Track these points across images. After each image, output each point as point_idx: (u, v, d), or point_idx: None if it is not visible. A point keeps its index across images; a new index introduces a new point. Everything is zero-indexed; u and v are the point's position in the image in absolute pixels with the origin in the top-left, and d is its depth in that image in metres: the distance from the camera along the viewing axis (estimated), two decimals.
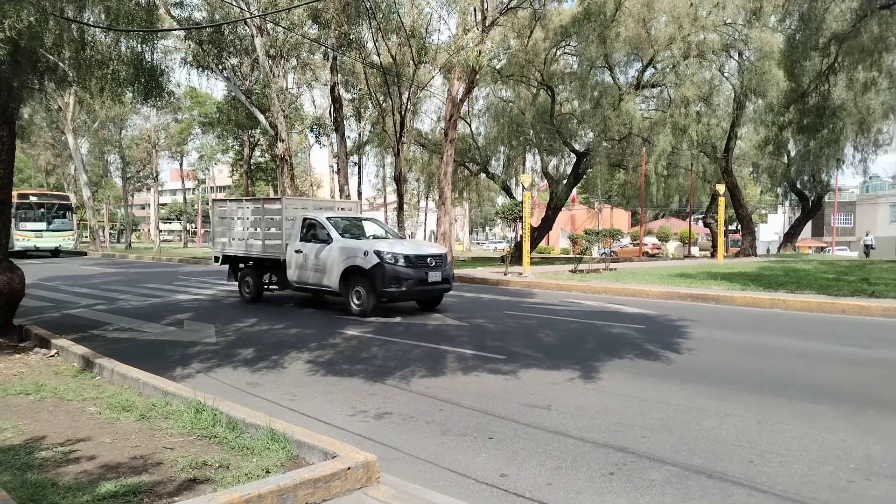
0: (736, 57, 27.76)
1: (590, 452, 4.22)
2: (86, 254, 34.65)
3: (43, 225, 30.65)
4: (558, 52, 27.71)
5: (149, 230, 74.03)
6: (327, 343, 8.21)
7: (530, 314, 10.75)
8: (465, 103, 26.87)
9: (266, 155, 37.08)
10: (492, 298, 13.25)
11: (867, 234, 36.03)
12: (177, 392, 5.02)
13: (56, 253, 31.65)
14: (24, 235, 29.54)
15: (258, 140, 35.14)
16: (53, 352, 7.10)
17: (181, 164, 53.66)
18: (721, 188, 25.26)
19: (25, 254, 29.91)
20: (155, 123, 43.23)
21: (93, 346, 7.31)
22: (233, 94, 29.36)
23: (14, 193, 26.36)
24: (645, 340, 8.16)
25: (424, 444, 4.45)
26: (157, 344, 8.30)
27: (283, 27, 22.97)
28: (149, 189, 57.29)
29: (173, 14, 22.88)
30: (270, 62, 23.94)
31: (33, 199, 31.20)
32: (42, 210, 30.84)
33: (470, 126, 31.91)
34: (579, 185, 37.09)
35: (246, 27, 23.83)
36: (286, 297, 13.54)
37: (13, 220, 24.32)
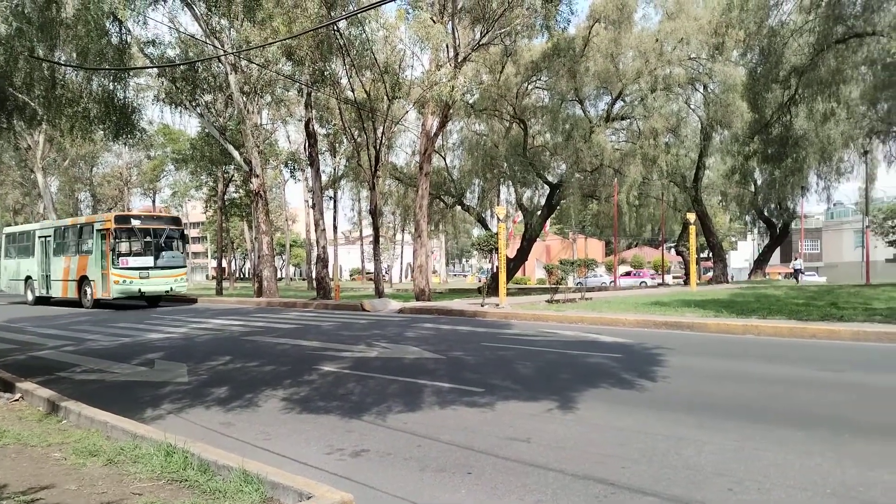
0: (701, 90, 28.67)
1: (570, 485, 4.18)
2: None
3: (150, 260, 21.96)
4: (530, 87, 28.30)
5: None
6: (303, 380, 8.08)
7: (507, 345, 10.73)
8: (440, 137, 27.20)
9: (240, 190, 36.89)
10: (469, 330, 13.21)
11: (796, 259, 36.95)
12: (146, 435, 4.88)
13: (155, 301, 23.72)
14: (125, 276, 21.20)
15: (232, 176, 35.04)
16: (18, 396, 6.87)
17: (154, 201, 53.13)
18: (691, 217, 25.76)
19: (111, 304, 23.23)
20: (127, 161, 42.86)
21: (59, 388, 7.09)
22: (206, 130, 29.30)
23: (108, 217, 21.69)
24: (622, 369, 8.18)
25: (402, 481, 4.37)
26: (126, 385, 8.08)
27: (257, 64, 23.12)
28: None
29: (146, 52, 22.90)
30: (245, 99, 24.02)
31: (136, 223, 22.22)
32: (148, 239, 22.08)
33: (444, 159, 32.25)
34: (553, 215, 37.54)
35: (220, 65, 23.93)
36: (260, 331, 13.35)
37: (109, 255, 21.10)
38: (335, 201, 41.28)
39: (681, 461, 4.58)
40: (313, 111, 26.23)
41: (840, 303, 14.81)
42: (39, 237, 25.27)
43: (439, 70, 21.54)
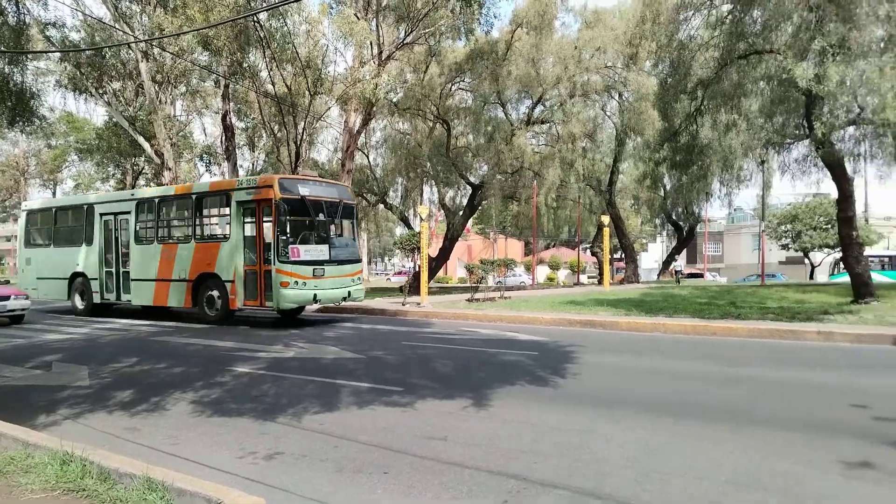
0: (616, 97, 29.80)
1: (485, 482, 4.25)
2: None
3: (325, 251, 14.14)
4: (453, 88, 28.49)
5: (15, 264, 67.62)
6: (215, 381, 7.80)
7: (427, 344, 10.78)
8: (363, 135, 26.94)
9: (151, 184, 35.16)
10: (390, 329, 13.17)
11: (676, 261, 39.33)
12: (40, 442, 4.56)
13: (294, 314, 15.86)
14: (296, 275, 13.26)
15: (142, 168, 33.30)
16: None
17: (54, 193, 49.78)
18: (606, 219, 26.73)
19: (248, 316, 16.23)
20: (24, 149, 39.88)
21: None
22: (115, 119, 27.71)
23: (266, 181, 13.27)
24: (537, 367, 8.39)
25: (318, 483, 4.30)
26: (19, 389, 7.54)
27: (171, 53, 22.11)
28: (15, 220, 52.47)
29: (47, 34, 21.41)
30: (157, 88, 22.92)
31: (304, 191, 13.87)
32: (320, 217, 14.10)
33: (368, 157, 31.95)
34: (475, 216, 37.96)
35: (130, 51, 22.71)
36: (170, 331, 12.77)
37: (275, 241, 13.18)
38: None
39: (591, 455, 4.76)
40: (231, 104, 25.38)
41: (738, 302, 15.81)
42: (103, 214, 16.81)
43: (363, 67, 21.34)
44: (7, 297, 15.17)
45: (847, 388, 7.01)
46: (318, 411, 6.20)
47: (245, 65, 21.53)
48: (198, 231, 15.11)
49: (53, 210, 18.72)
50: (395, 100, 26.55)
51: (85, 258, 17.26)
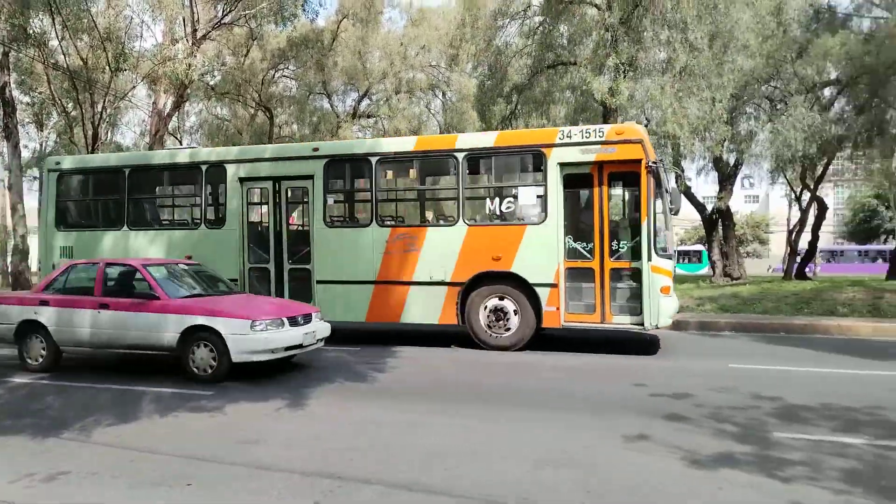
0: (440, 96, 30.74)
1: (298, 484, 4.15)
2: None
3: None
4: (277, 75, 27.46)
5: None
6: None
7: None
8: (175, 118, 24.93)
9: None
10: None
11: None
12: None
13: None
14: (670, 276, 9.19)
15: None
16: None
17: None
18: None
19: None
20: None
21: None
22: None
23: (633, 130, 8.82)
24: (357, 362, 8.39)
25: (109, 502, 3.91)
26: None
27: None
28: None
29: None
30: None
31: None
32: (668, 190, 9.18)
33: (181, 143, 29.64)
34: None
35: None
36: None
37: (648, 233, 8.57)
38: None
39: (408, 447, 4.85)
40: (12, 74, 22.04)
41: None
42: (246, 180, 10.75)
43: (175, 45, 19.70)
44: (308, 317, 7.95)
45: (633, 369, 7.90)
46: (112, 423, 5.63)
47: (31, 31, 18.80)
48: (472, 208, 10.09)
49: (125, 172, 11.40)
50: (212, 83, 24.91)
51: (203, 248, 10.73)
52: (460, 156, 9.46)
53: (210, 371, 7.13)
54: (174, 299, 7.52)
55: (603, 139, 8.78)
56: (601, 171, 8.86)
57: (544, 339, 9.60)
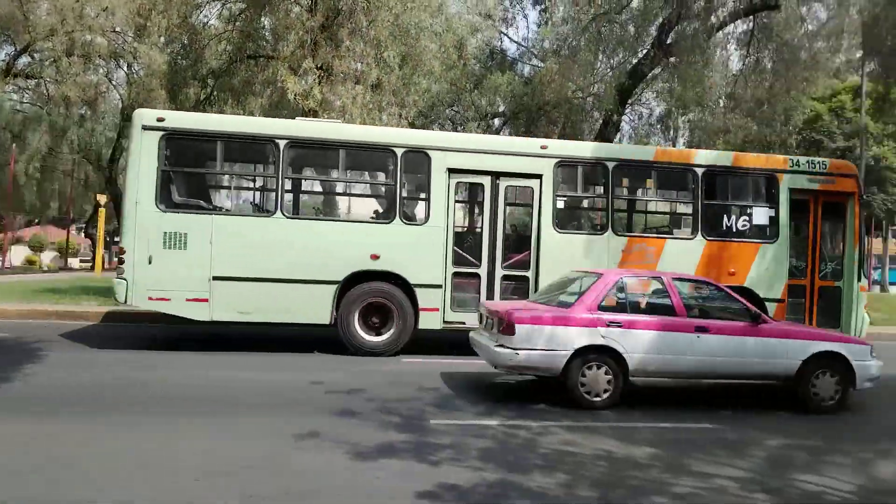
0: (125, 68, 27.34)
1: None
2: None
3: None
4: None
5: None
6: None
7: None
8: None
9: None
10: None
11: None
12: None
13: None
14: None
15: None
16: None
17: None
18: (102, 199, 24.35)
19: None
20: None
21: None
22: None
23: (851, 167, 10.53)
24: None
25: None
26: None
27: None
28: None
29: None
30: None
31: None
32: None
33: None
34: None
35: None
36: None
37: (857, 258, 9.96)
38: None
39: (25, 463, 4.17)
40: None
41: None
42: (454, 171, 9.11)
43: None
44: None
45: (313, 368, 8.04)
46: None
47: None
48: (709, 222, 9.76)
49: (283, 144, 8.78)
50: None
51: (395, 246, 8.94)
52: (699, 171, 9.65)
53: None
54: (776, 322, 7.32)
55: (826, 171, 9.89)
56: (817, 198, 9.88)
57: None
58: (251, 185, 10.91)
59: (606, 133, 15.62)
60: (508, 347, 6.31)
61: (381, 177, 10.10)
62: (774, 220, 9.73)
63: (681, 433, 5.88)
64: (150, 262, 8.34)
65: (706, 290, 7.58)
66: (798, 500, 4.30)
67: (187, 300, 8.48)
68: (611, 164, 9.51)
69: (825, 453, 5.38)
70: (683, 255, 9.47)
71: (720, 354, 6.63)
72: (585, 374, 6.37)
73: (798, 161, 10.16)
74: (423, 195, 9.33)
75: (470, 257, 9.29)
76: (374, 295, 8.78)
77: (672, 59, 14.45)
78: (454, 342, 8.90)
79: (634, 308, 6.85)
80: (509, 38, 24.11)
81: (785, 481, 4.62)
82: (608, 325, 6.43)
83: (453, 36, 14.25)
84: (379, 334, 8.83)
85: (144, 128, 8.58)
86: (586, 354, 6.36)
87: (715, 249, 9.58)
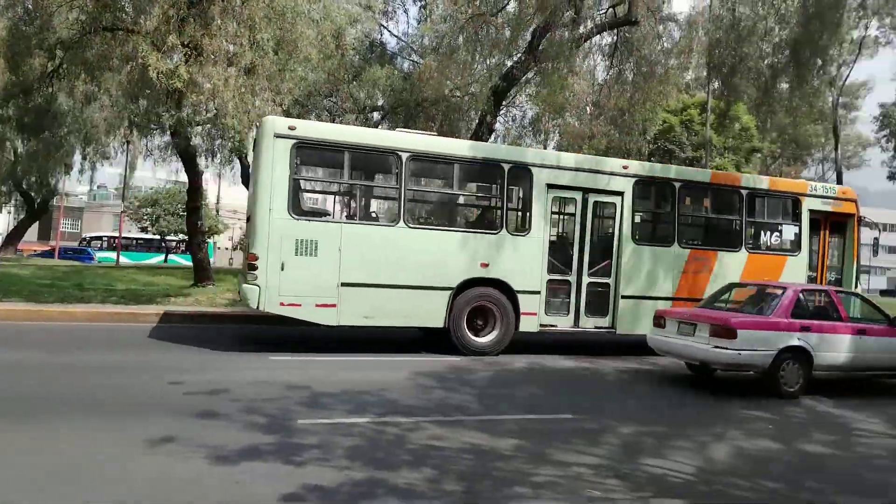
0: None
1: None
2: None
3: None
4: None
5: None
6: None
7: None
8: None
9: None
10: None
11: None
12: None
13: None
14: None
15: None
16: None
17: None
18: None
19: None
20: None
21: None
22: None
23: (852, 193, 12.58)
24: None
25: None
26: None
27: None
28: None
29: None
30: None
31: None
32: None
33: None
34: None
35: None
36: None
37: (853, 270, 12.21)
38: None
39: None
40: None
41: (86, 284, 15.06)
42: (552, 187, 10.23)
43: None
44: None
45: (172, 368, 7.54)
46: None
47: None
48: (750, 238, 11.40)
49: (406, 157, 9.22)
50: None
51: (501, 255, 9.68)
52: (744, 192, 11.19)
53: None
54: None
55: (834, 195, 11.76)
56: (827, 218, 11.66)
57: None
58: (375, 194, 11.14)
59: (480, 133, 15.95)
60: (731, 349, 7.52)
61: (490, 190, 10.74)
62: (798, 236, 11.41)
63: (545, 424, 6.15)
64: (282, 269, 8.53)
65: (853, 301, 9.35)
66: (645, 483, 4.64)
67: (317, 305, 8.71)
68: (677, 185, 10.86)
69: (670, 438, 5.86)
70: (731, 266, 10.93)
71: (876, 352, 8.33)
72: (784, 369, 7.80)
73: (815, 186, 12.04)
74: (524, 208, 10.38)
75: (562, 265, 10.12)
76: (482, 300, 9.49)
77: (542, 65, 15.00)
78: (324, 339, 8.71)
79: (812, 315, 8.37)
80: (389, 31, 24.07)
81: (634, 466, 4.97)
82: (801, 330, 7.87)
83: (331, 24, 13.85)
84: (477, 336, 9.54)
85: (277, 136, 8.71)
86: (785, 353, 7.76)
87: (755, 261, 11.11)
